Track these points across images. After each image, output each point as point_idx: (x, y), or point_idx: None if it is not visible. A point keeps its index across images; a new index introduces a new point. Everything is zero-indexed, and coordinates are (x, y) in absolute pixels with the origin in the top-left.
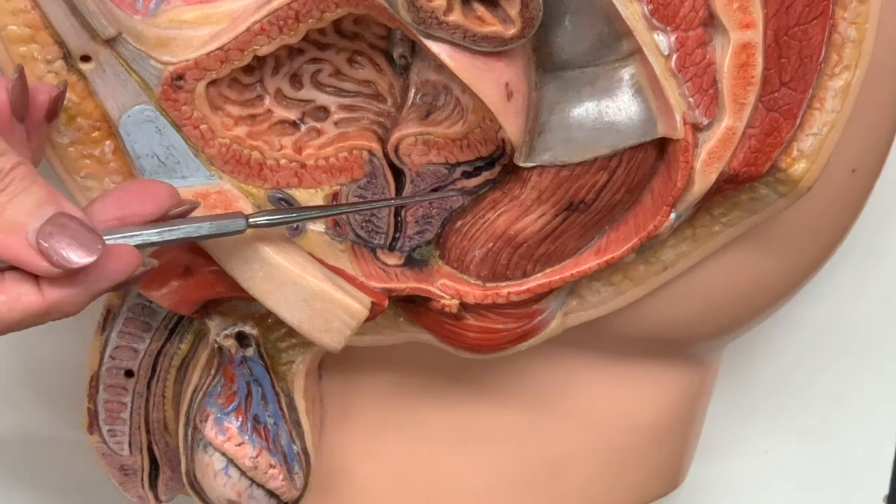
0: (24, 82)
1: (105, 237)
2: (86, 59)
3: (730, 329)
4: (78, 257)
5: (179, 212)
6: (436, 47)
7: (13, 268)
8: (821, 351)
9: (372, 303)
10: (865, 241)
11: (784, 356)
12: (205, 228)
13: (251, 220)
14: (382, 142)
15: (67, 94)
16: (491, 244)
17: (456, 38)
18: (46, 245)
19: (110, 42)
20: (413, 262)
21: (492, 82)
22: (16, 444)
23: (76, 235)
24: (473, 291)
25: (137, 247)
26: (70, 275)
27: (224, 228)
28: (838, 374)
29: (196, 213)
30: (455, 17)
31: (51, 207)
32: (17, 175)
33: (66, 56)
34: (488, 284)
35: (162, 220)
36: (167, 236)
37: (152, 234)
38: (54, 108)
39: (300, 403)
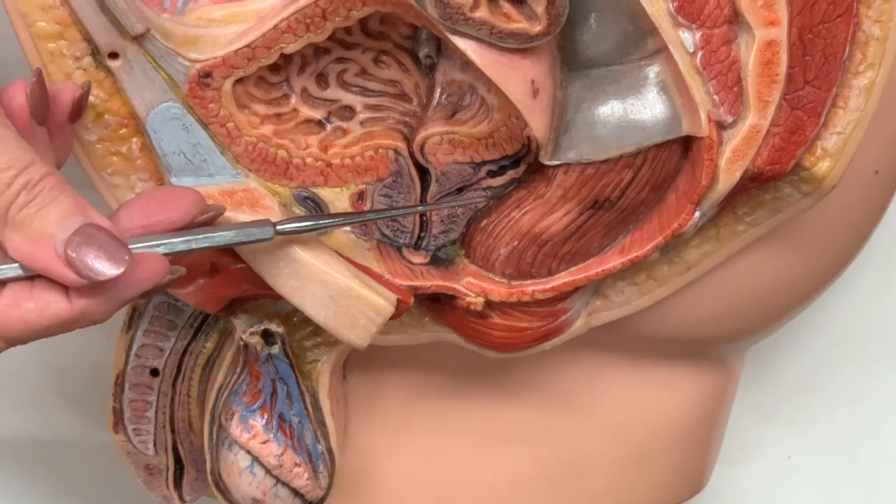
0: (43, 85)
1: (131, 246)
2: (114, 55)
3: (753, 330)
4: (105, 269)
5: (205, 218)
6: (462, 44)
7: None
8: (844, 354)
9: (398, 300)
10: (888, 243)
11: (807, 359)
12: (232, 237)
13: (279, 227)
14: (408, 141)
15: (95, 91)
16: (516, 242)
17: (482, 35)
18: (74, 256)
19: (138, 39)
20: (438, 261)
21: (518, 79)
22: (41, 445)
23: (103, 246)
24: (498, 289)
25: (164, 255)
26: (97, 285)
27: (251, 236)
28: (862, 378)
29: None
30: (481, 13)
31: (78, 218)
32: (45, 185)
33: (95, 53)
34: (513, 282)
35: (188, 227)
36: (193, 245)
37: (178, 243)
38: (78, 108)
39: (325, 403)
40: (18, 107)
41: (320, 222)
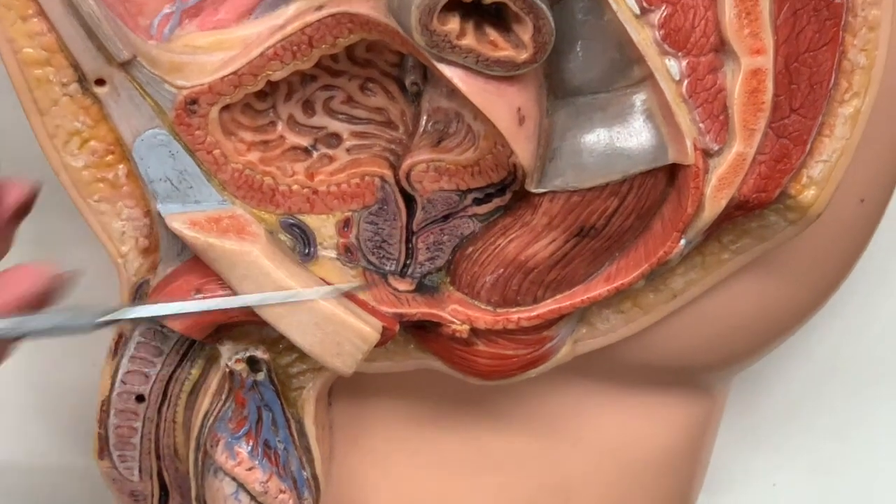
0: None
1: None
2: (100, 82)
3: (738, 358)
4: None
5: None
6: (448, 71)
7: None
8: (830, 383)
9: (383, 327)
10: (873, 273)
11: (792, 387)
12: (51, 325)
13: (98, 320)
14: (394, 168)
15: (81, 118)
16: (502, 270)
17: (468, 63)
18: None
19: (125, 65)
20: (424, 289)
21: (504, 106)
22: (25, 471)
23: None
24: (484, 317)
25: None
26: None
27: (69, 325)
28: (847, 407)
29: (211, 236)
30: (468, 41)
31: None
32: None
33: (81, 79)
34: (499, 310)
35: (38, 300)
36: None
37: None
38: (25, 208)
39: (310, 429)
40: None
41: (140, 314)
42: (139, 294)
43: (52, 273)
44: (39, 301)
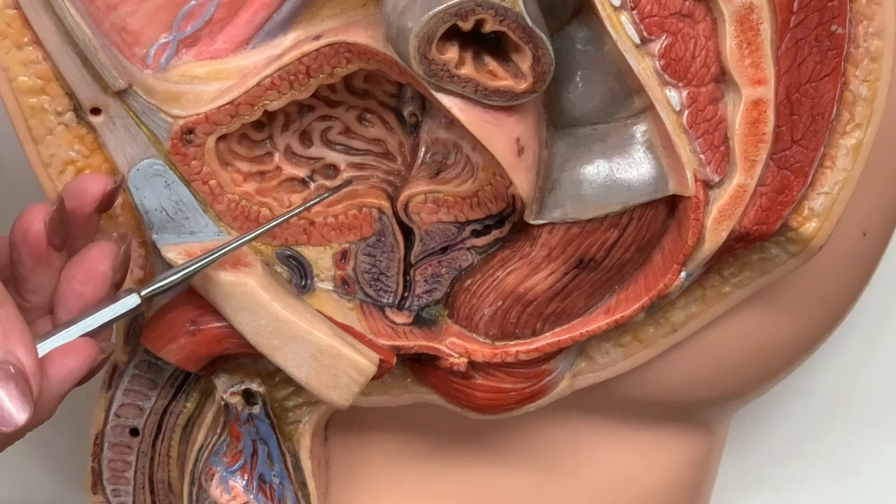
0: (63, 213)
1: (42, 343)
2: (96, 111)
3: (740, 394)
4: (9, 413)
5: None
6: (447, 101)
7: None
8: (832, 420)
9: (380, 360)
10: (874, 308)
11: (794, 425)
12: (105, 316)
13: (143, 292)
14: (392, 200)
15: (76, 147)
16: (500, 302)
17: (467, 92)
18: None
19: (121, 94)
20: (422, 321)
21: (502, 136)
22: None
23: (11, 392)
24: (482, 350)
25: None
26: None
27: (122, 310)
28: (848, 445)
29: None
30: (467, 70)
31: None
32: None
33: (77, 108)
34: (497, 343)
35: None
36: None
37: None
38: (108, 200)
39: (306, 464)
40: (36, 233)
41: (179, 273)
42: (134, 325)
43: (118, 247)
44: (120, 275)
